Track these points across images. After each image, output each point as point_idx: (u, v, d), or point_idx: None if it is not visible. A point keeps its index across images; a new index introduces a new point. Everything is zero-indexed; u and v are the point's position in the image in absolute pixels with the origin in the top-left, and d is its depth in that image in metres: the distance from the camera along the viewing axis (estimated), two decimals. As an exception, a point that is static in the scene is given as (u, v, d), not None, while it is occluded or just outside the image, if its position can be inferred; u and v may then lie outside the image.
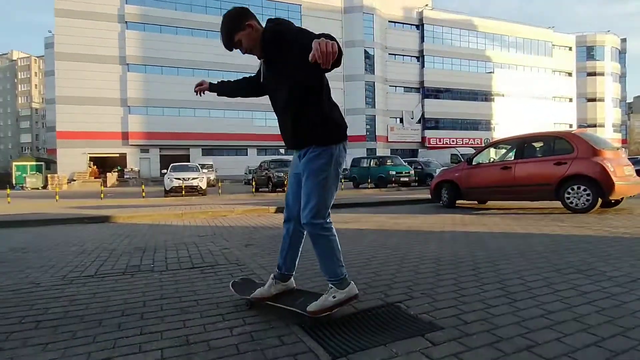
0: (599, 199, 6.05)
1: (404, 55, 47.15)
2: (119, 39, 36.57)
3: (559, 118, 54.12)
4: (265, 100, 2.05)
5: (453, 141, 47.63)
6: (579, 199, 6.20)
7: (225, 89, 2.29)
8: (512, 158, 7.17)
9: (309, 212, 1.94)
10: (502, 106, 50.39)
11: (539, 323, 1.85)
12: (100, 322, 1.99)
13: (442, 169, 8.83)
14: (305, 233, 2.17)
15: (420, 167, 21.16)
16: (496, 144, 7.86)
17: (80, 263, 3.44)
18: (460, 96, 48.79)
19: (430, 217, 6.43)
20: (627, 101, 69.59)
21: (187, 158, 38.51)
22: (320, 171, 1.93)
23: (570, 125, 55.84)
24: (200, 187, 15.63)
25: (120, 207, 9.70)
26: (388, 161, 20.24)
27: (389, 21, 45.91)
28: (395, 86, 46.87)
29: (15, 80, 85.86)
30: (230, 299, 2.36)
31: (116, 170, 35.86)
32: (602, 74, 56.43)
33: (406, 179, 18.96)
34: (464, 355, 1.54)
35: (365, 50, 43.74)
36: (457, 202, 8.06)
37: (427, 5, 47.43)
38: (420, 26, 47.12)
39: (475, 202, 8.31)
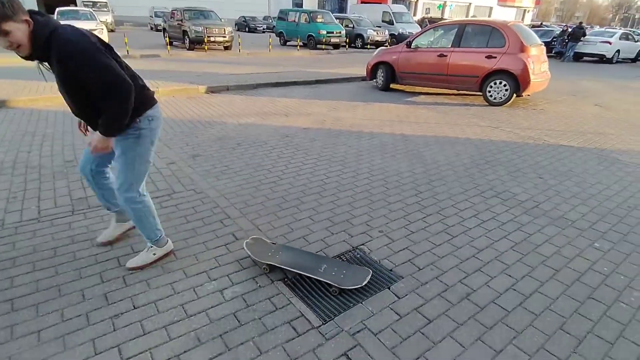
0: (514, 94, 6.72)
1: None
2: None
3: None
4: None
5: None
6: (497, 93, 6.81)
7: None
8: (449, 45, 7.23)
9: (121, 187, 2.03)
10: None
11: (472, 265, 2.36)
12: (83, 294, 2.01)
13: (380, 48, 8.57)
14: (108, 171, 2.28)
15: (351, 25, 20.04)
16: (436, 28, 7.71)
17: (11, 194, 3.07)
18: None
19: (368, 108, 6.62)
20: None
21: (69, -10, 30.66)
22: (129, 150, 1.96)
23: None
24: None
25: (9, 76, 8.01)
26: (318, 17, 18.68)
27: None
28: None
29: None
30: (205, 246, 2.47)
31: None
32: None
33: (337, 40, 18.12)
34: (423, 309, 1.98)
35: None
36: (391, 85, 8.24)
37: None
38: None
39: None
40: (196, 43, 14.87)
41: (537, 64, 6.64)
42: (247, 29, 30.71)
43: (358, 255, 2.43)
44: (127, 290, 2.05)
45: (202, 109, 6.13)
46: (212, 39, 14.83)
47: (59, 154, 3.96)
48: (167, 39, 15.40)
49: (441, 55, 7.22)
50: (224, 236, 2.59)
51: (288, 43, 19.29)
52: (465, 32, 7.08)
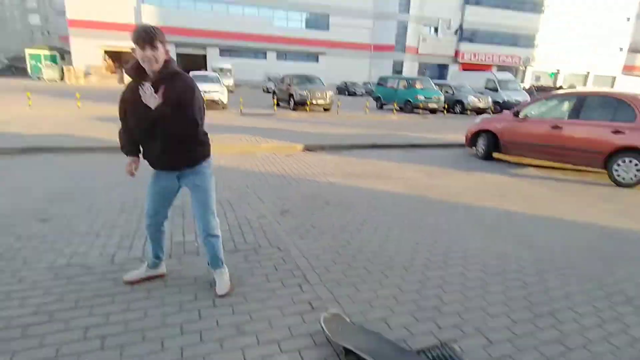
0: (650, 176, 5.69)
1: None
2: None
3: (612, 42, 48.36)
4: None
5: (489, 58, 44.02)
6: (627, 173, 5.83)
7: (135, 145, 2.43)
8: (566, 117, 6.59)
9: (210, 224, 2.45)
10: (550, 20, 44.98)
11: (601, 398, 1.83)
12: (162, 343, 2.05)
13: (483, 116, 8.24)
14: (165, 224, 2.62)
15: (451, 91, 19.92)
16: (549, 98, 7.15)
17: (124, 231, 3.48)
18: (504, 4, 43.32)
19: (466, 178, 6.21)
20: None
21: (203, 59, 36.97)
22: (208, 182, 2.43)
23: (621, 49, 50.23)
24: (222, 101, 15.20)
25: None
26: (417, 84, 19.06)
27: None
28: (434, -13, 41.66)
29: (17, -48, 78.29)
30: (280, 311, 2.38)
31: (132, 66, 34.76)
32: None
33: (435, 106, 18.08)
34: None
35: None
36: (494, 155, 7.71)
37: None
38: None
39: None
40: (300, 104, 16.24)
41: (682, 142, 5.58)
42: (347, 93, 32.74)
43: (447, 355, 2.08)
44: (201, 347, 2.03)
45: (297, 166, 6.43)
46: (314, 101, 16.06)
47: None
48: (275, 100, 17.12)
49: (555, 127, 6.57)
50: (301, 303, 2.49)
51: (384, 107, 19.85)
52: (585, 104, 6.40)
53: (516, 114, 7.27)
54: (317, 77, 18.24)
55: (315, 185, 5.29)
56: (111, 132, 8.26)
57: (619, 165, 5.89)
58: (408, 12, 40.19)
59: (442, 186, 5.55)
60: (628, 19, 49.26)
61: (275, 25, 38.30)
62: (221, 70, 28.87)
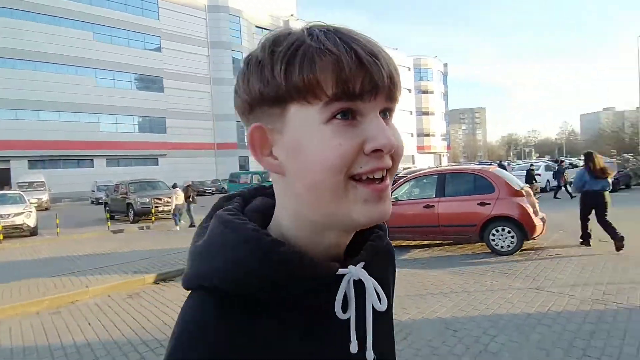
0: (523, 240, 6.00)
1: (272, 62, 46.65)
2: None
3: (403, 128, 62.32)
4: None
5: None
6: (503, 241, 6.05)
7: None
8: (433, 195, 6.75)
9: None
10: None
11: None
12: None
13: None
14: None
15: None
16: (412, 179, 7.40)
17: None
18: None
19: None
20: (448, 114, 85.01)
21: (6, 173, 29.48)
22: None
23: (412, 135, 64.78)
24: (28, 225, 11.37)
25: None
26: (270, 177, 18.93)
27: (256, 26, 44.72)
28: (265, 93, 45.94)
29: None
30: None
31: None
32: (432, 92, 67.52)
33: (291, 196, 18.06)
34: None
35: (232, 54, 41.56)
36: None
37: (292, 15, 48.08)
38: (287, 35, 47.40)
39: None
40: (141, 215, 13.68)
41: (533, 206, 6.20)
42: (196, 193, 30.59)
43: None
44: None
45: (149, 315, 4.40)
46: (159, 208, 13.77)
47: None
48: (108, 213, 14.05)
49: (427, 207, 6.61)
50: None
51: (241, 204, 18.82)
52: (447, 181, 6.73)
53: (389, 198, 7.17)
54: (159, 181, 16.11)
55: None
56: None
57: (493, 235, 6.09)
58: (245, 113, 42.47)
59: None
60: (411, 113, 64.76)
61: (103, 130, 34.40)
62: (30, 185, 23.22)
